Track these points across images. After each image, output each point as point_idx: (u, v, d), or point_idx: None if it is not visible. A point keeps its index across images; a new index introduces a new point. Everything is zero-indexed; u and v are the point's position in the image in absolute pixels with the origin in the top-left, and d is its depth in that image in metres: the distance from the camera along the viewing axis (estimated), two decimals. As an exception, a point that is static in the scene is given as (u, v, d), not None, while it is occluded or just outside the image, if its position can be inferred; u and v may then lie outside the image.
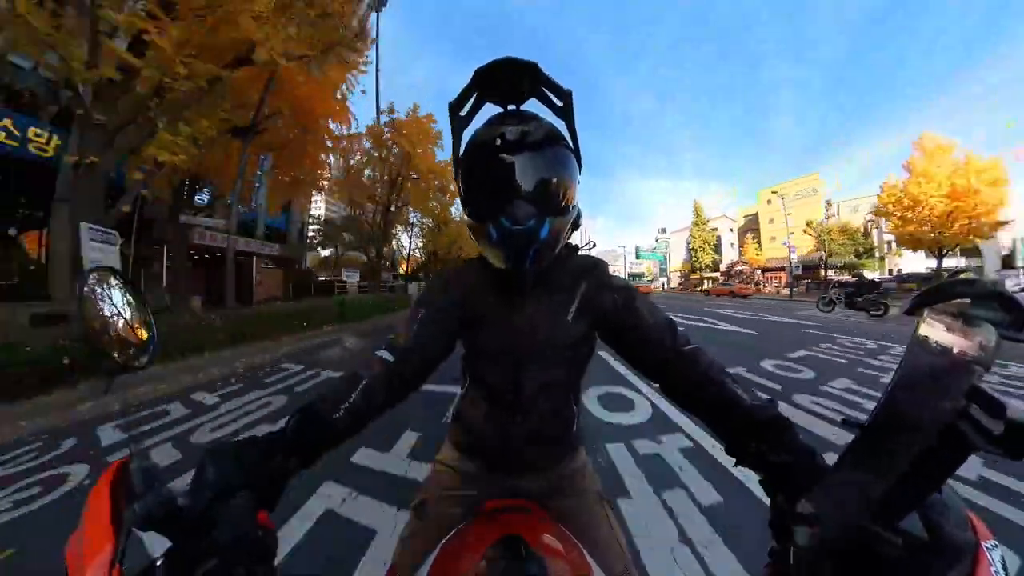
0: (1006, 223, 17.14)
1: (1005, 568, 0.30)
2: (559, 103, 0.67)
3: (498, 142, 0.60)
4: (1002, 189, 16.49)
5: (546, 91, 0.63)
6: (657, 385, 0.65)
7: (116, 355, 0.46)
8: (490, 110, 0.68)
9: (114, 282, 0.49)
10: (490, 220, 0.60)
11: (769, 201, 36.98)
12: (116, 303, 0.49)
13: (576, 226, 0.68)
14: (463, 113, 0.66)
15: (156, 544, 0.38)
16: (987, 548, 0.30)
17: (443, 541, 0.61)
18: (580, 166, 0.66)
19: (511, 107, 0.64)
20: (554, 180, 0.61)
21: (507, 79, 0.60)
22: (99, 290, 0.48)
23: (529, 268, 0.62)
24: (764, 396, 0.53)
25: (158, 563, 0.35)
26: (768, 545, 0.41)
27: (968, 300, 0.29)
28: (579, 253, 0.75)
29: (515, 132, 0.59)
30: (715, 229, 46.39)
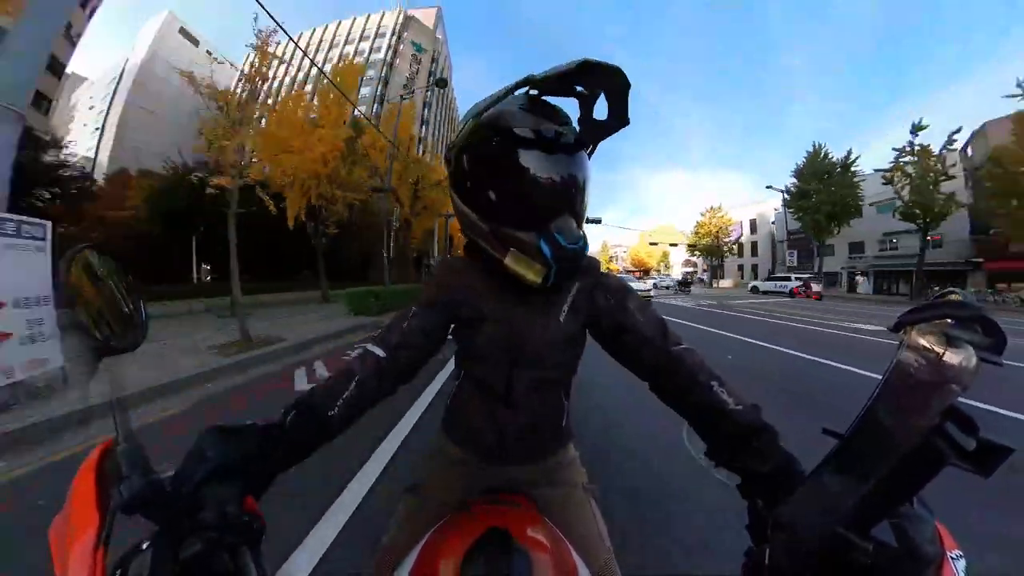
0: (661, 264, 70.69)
1: None
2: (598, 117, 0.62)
3: (533, 137, 0.56)
4: (667, 256, 69.80)
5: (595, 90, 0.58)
6: (647, 384, 0.66)
7: (103, 337, 0.45)
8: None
9: (101, 262, 0.48)
10: (539, 234, 0.58)
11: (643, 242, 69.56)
12: (104, 284, 0.48)
13: None
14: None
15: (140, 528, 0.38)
16: (952, 557, 0.32)
17: (431, 530, 0.62)
18: None
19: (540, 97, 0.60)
20: (584, 191, 0.62)
21: (602, 81, 0.55)
22: (85, 270, 0.47)
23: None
24: (749, 402, 0.54)
25: (144, 546, 0.35)
26: (745, 545, 0.42)
27: (951, 321, 0.30)
28: None
29: (551, 131, 0.56)
30: (614, 254, 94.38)
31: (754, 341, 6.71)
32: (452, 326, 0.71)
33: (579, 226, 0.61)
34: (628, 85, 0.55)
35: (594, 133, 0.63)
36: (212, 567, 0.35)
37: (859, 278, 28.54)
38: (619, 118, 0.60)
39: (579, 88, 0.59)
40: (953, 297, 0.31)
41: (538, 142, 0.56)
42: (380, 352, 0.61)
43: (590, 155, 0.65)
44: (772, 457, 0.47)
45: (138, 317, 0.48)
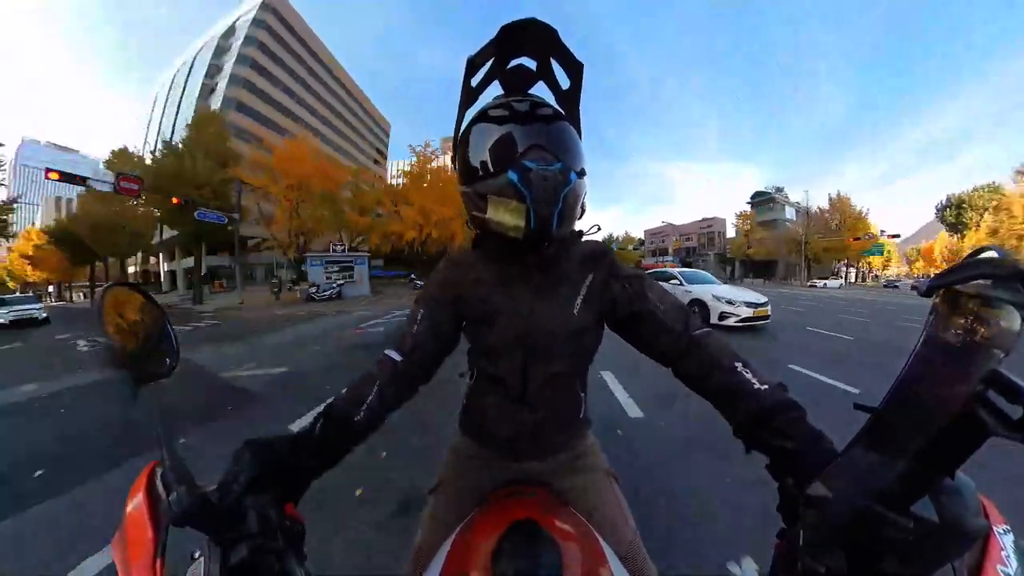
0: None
1: (1016, 552, 0.29)
2: (565, 86, 0.65)
3: (507, 112, 0.60)
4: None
5: (556, 67, 0.63)
6: (668, 369, 0.65)
7: (140, 367, 0.48)
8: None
9: (131, 295, 0.51)
10: (508, 166, 0.55)
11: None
12: (135, 316, 0.51)
13: (581, 213, 0.66)
14: (475, 84, 0.64)
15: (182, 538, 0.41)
16: (999, 533, 0.30)
17: (459, 527, 0.63)
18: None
19: (516, 98, 0.63)
20: (570, 143, 0.61)
21: (529, 39, 0.59)
22: (118, 305, 0.50)
23: (553, 231, 0.57)
24: (774, 380, 0.53)
25: (196, 555, 0.38)
26: (776, 526, 0.41)
27: (989, 281, 0.27)
28: (583, 239, 0.72)
29: (524, 105, 0.61)
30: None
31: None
32: (464, 323, 0.71)
33: (574, 170, 0.58)
34: (553, 31, 0.57)
35: (567, 99, 0.66)
36: (260, 570, 0.38)
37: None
38: (570, 65, 0.62)
39: (527, 64, 0.62)
40: (988, 254, 0.28)
41: (512, 116, 0.60)
42: (396, 356, 0.62)
43: (578, 129, 0.66)
44: (800, 434, 0.45)
45: (169, 344, 0.51)
